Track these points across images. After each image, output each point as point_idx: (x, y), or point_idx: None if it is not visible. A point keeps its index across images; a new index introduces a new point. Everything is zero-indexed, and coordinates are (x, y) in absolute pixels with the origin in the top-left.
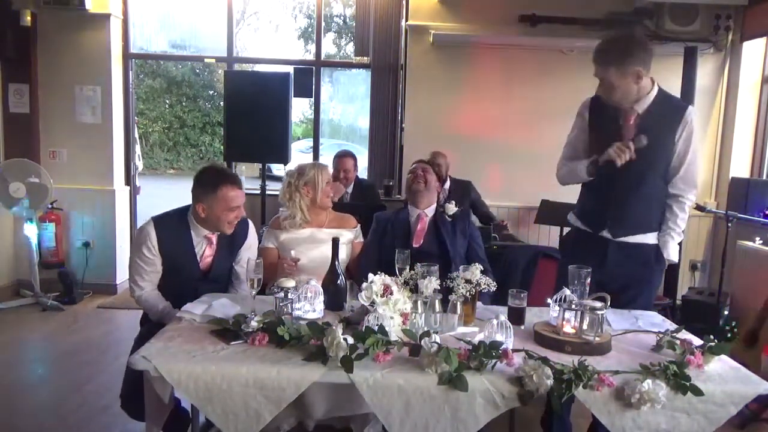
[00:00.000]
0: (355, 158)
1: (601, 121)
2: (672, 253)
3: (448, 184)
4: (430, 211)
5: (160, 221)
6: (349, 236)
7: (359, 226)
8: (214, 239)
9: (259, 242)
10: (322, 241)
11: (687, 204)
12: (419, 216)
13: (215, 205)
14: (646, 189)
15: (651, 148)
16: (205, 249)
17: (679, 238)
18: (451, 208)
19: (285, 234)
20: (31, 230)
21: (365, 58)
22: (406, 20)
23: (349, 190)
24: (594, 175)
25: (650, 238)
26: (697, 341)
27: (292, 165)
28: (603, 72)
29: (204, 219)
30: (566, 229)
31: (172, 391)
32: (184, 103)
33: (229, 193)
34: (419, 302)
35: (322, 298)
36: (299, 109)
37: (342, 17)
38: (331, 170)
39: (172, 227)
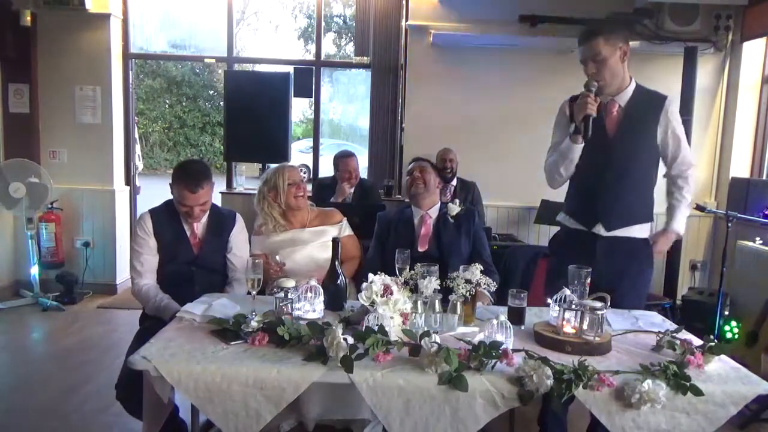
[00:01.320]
0: (356, 157)
1: None
2: (678, 224)
3: (455, 182)
4: (434, 211)
5: (154, 210)
6: (333, 232)
7: (345, 220)
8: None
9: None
10: (305, 242)
11: (690, 178)
12: (423, 218)
13: (175, 195)
14: (632, 180)
15: (633, 139)
16: (193, 229)
17: (687, 210)
18: (454, 208)
19: (267, 239)
20: (31, 230)
21: (365, 58)
22: (406, 20)
23: (350, 190)
24: (579, 140)
25: (640, 231)
26: (697, 341)
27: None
28: (592, 46)
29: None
30: None
31: (172, 392)
32: (184, 103)
33: (182, 191)
34: (419, 302)
35: (322, 298)
36: (299, 109)
37: (342, 17)
38: (293, 173)
39: (165, 212)
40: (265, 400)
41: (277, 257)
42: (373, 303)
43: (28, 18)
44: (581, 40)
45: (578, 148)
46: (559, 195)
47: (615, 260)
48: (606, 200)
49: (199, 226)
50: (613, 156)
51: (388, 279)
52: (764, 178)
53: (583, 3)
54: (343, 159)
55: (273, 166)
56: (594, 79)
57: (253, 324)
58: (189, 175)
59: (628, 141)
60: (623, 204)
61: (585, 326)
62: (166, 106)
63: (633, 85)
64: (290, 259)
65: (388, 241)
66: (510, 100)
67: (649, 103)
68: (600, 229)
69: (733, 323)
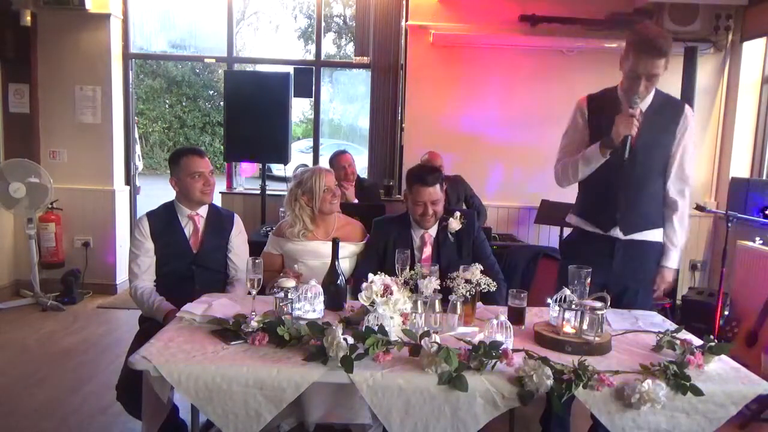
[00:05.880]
0: (350, 154)
1: (601, 119)
2: (671, 261)
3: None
4: (434, 230)
5: (152, 213)
6: (353, 249)
7: (368, 236)
8: (198, 219)
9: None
10: (325, 256)
11: (688, 199)
12: (423, 238)
13: (181, 174)
14: (650, 185)
15: (653, 143)
16: (192, 228)
17: (683, 238)
18: (455, 224)
19: (290, 244)
20: (31, 230)
21: (365, 58)
22: (406, 20)
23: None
24: (608, 154)
25: (655, 235)
26: (697, 341)
27: (292, 165)
28: (655, 64)
29: (180, 193)
30: (567, 230)
31: (171, 393)
32: (184, 103)
33: (189, 160)
34: (419, 302)
35: (322, 298)
36: (299, 109)
37: (342, 17)
38: (329, 178)
39: (162, 215)
40: (265, 400)
41: (296, 266)
42: (373, 303)
43: (28, 18)
44: (643, 53)
45: (603, 158)
46: (560, 195)
47: (632, 263)
48: (625, 205)
49: (200, 221)
50: (634, 160)
51: (388, 279)
52: (764, 178)
53: (583, 3)
54: (337, 156)
55: (309, 167)
56: (639, 96)
57: (253, 324)
58: (191, 147)
59: (649, 145)
60: (641, 209)
61: (585, 326)
62: (166, 106)
63: (653, 91)
64: (307, 267)
65: (386, 260)
66: (510, 100)
67: (667, 111)
68: (617, 233)
69: (733, 323)
